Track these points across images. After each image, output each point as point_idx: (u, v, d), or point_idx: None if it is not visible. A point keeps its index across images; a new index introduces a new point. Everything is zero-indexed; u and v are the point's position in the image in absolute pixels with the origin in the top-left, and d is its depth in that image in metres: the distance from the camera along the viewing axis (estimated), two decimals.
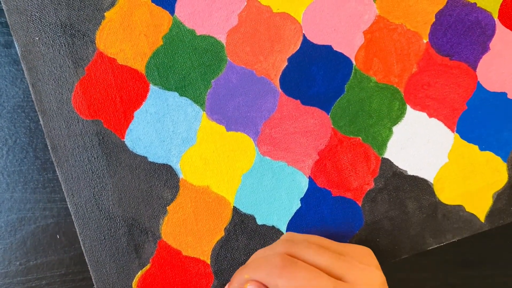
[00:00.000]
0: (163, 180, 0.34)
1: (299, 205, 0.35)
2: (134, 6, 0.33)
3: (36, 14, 0.33)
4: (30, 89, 0.33)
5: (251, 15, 0.34)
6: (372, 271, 0.29)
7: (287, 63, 0.35)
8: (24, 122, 0.35)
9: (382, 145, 0.36)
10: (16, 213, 0.35)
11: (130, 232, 0.34)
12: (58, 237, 0.35)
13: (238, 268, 0.34)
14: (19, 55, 0.33)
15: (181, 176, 0.34)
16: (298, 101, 0.35)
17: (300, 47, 0.35)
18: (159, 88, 0.34)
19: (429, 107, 0.36)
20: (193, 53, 0.34)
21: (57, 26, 0.33)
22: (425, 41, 0.36)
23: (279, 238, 0.35)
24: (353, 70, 0.35)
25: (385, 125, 0.36)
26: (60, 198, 0.35)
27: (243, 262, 0.35)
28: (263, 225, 0.35)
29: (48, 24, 0.33)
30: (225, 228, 0.34)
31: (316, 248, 0.30)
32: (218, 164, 0.34)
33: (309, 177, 0.35)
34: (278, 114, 0.35)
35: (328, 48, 0.35)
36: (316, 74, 0.35)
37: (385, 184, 0.36)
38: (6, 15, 0.32)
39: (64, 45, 0.33)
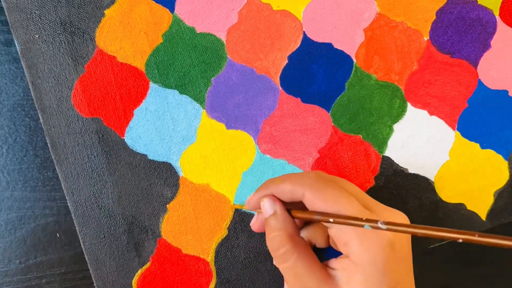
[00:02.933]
0: (163, 178, 0.34)
1: None
2: (134, 3, 0.33)
3: (36, 12, 0.32)
4: (30, 86, 0.33)
5: (251, 12, 0.34)
6: (399, 213, 0.29)
7: (287, 61, 0.35)
8: (24, 121, 0.35)
9: (382, 143, 0.35)
10: (16, 212, 0.35)
11: (130, 230, 0.34)
12: (58, 235, 0.35)
13: (239, 266, 0.34)
14: (19, 52, 0.32)
15: (181, 174, 0.34)
16: (299, 99, 0.35)
17: (300, 45, 0.35)
18: (159, 86, 0.34)
19: (430, 105, 0.36)
20: (193, 50, 0.34)
21: (57, 23, 0.33)
22: (426, 38, 0.36)
23: None
24: (353, 68, 0.35)
25: (386, 123, 0.35)
26: (60, 197, 0.35)
27: (244, 260, 0.34)
28: None
29: (48, 21, 0.33)
30: (225, 226, 0.34)
31: (348, 181, 0.30)
32: (218, 162, 0.34)
33: None
34: (278, 112, 0.35)
35: (329, 46, 0.35)
36: (316, 72, 0.35)
37: (385, 182, 0.35)
38: (6, 13, 0.32)
39: (64, 42, 0.33)
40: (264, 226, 0.30)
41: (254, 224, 0.32)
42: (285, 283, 0.29)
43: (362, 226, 0.25)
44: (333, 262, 0.28)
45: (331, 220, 0.26)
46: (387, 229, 0.24)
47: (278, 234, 0.28)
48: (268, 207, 0.29)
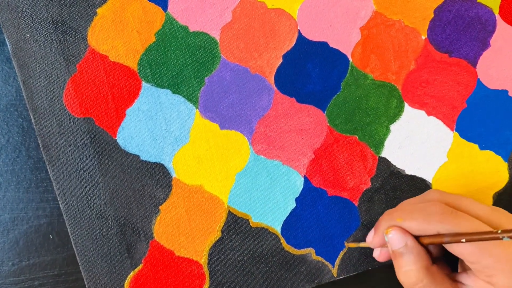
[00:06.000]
0: (156, 179, 0.33)
1: (294, 205, 0.34)
2: (126, 2, 0.33)
3: (27, 11, 0.32)
4: (21, 86, 0.32)
5: (245, 11, 0.34)
6: None
7: (282, 60, 0.34)
8: (17, 121, 0.35)
9: (379, 143, 0.35)
10: (9, 213, 0.35)
11: (122, 231, 0.33)
12: (51, 237, 0.35)
13: (233, 268, 0.34)
14: (10, 52, 0.32)
15: (174, 175, 0.33)
16: (293, 99, 0.34)
17: (295, 44, 0.34)
18: (152, 85, 0.33)
19: (427, 105, 0.35)
20: (186, 49, 0.33)
21: (49, 22, 0.32)
22: (423, 37, 0.35)
23: (273, 238, 0.34)
24: (349, 67, 0.34)
25: (383, 124, 0.35)
26: (53, 198, 0.35)
27: (237, 262, 0.34)
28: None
29: (40, 20, 0.32)
30: (218, 228, 0.34)
31: (471, 199, 0.29)
32: (212, 163, 0.34)
33: (304, 176, 0.34)
34: (273, 112, 0.34)
35: (324, 44, 0.34)
36: (311, 71, 0.34)
37: (382, 183, 0.35)
38: None
39: (56, 42, 0.32)
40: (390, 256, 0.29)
41: (380, 256, 0.30)
42: None
43: (500, 238, 0.24)
44: (467, 280, 0.28)
45: (463, 240, 0.26)
46: None
47: (414, 269, 0.27)
48: (397, 239, 0.28)
